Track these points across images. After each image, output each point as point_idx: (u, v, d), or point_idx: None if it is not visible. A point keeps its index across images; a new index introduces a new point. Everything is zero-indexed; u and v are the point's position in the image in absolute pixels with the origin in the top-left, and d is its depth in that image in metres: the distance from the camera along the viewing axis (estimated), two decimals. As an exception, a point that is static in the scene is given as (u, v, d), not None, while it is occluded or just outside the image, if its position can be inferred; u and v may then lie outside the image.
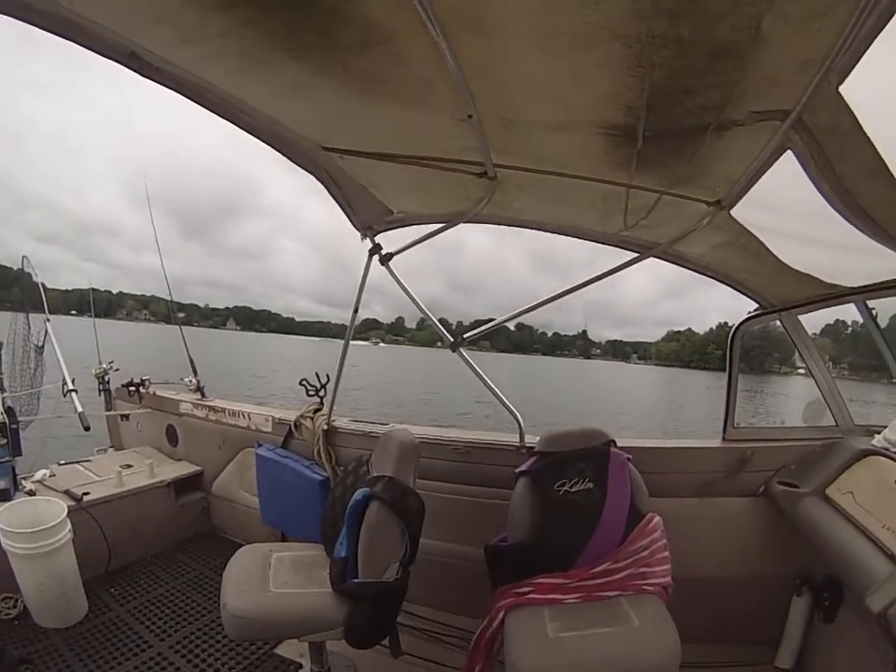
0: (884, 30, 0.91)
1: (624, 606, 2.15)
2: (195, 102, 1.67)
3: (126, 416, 4.67)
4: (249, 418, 3.72)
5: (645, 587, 2.22)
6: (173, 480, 3.78)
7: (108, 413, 4.80)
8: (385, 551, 2.20)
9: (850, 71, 1.03)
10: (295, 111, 1.81)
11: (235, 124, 1.83)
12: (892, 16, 0.88)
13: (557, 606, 2.19)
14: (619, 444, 2.54)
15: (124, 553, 3.40)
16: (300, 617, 2.16)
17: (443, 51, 1.18)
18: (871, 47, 0.96)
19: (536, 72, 1.27)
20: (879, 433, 2.57)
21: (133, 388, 4.52)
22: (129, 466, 3.83)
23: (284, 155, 2.09)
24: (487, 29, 1.13)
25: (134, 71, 1.50)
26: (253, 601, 2.15)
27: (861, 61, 1.00)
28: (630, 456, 2.48)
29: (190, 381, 4.33)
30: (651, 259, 2.64)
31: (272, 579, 2.30)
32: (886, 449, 2.41)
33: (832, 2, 0.90)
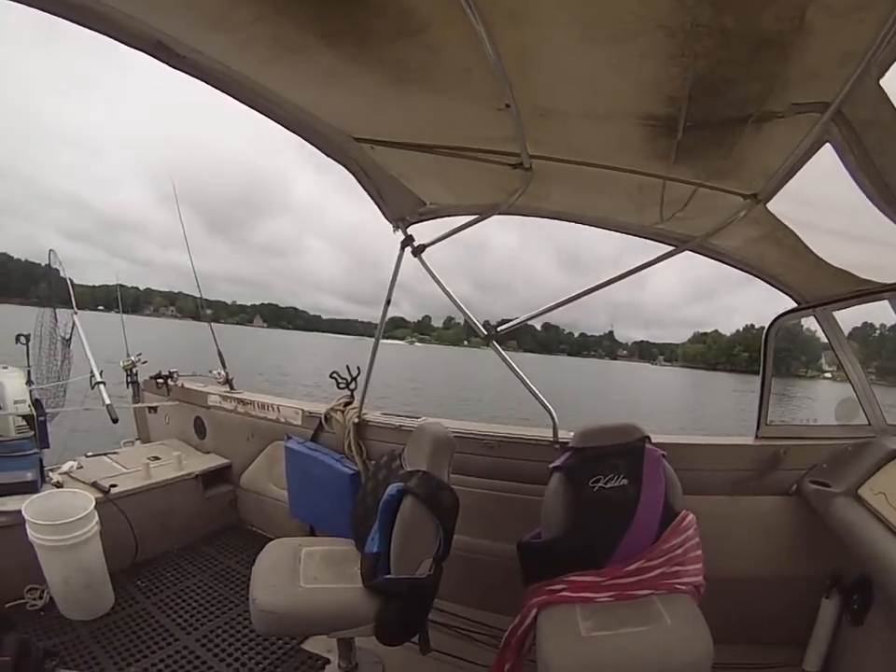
0: None
1: (657, 605, 2.13)
2: (224, 92, 1.67)
3: (154, 409, 4.72)
4: (279, 411, 3.73)
5: (678, 586, 2.20)
6: (200, 472, 3.81)
7: (136, 405, 4.86)
8: (418, 547, 2.19)
9: (892, 64, 1.03)
10: (326, 101, 1.80)
11: (265, 115, 1.82)
12: None
13: (590, 604, 2.18)
14: (653, 440, 2.52)
15: (151, 546, 3.43)
16: (330, 613, 2.16)
17: (483, 39, 1.17)
18: None
19: (576, 61, 1.26)
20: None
21: (160, 381, 4.56)
22: (156, 458, 3.85)
23: (314, 146, 2.09)
24: (527, 18, 1.13)
25: (162, 61, 1.50)
26: (283, 596, 2.15)
27: None
28: (665, 453, 2.45)
29: (219, 373, 4.35)
30: (680, 260, 2.61)
31: (301, 574, 2.30)
32: (919, 450, 2.36)
33: None
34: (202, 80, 1.60)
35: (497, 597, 2.80)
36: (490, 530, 2.89)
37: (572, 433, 2.62)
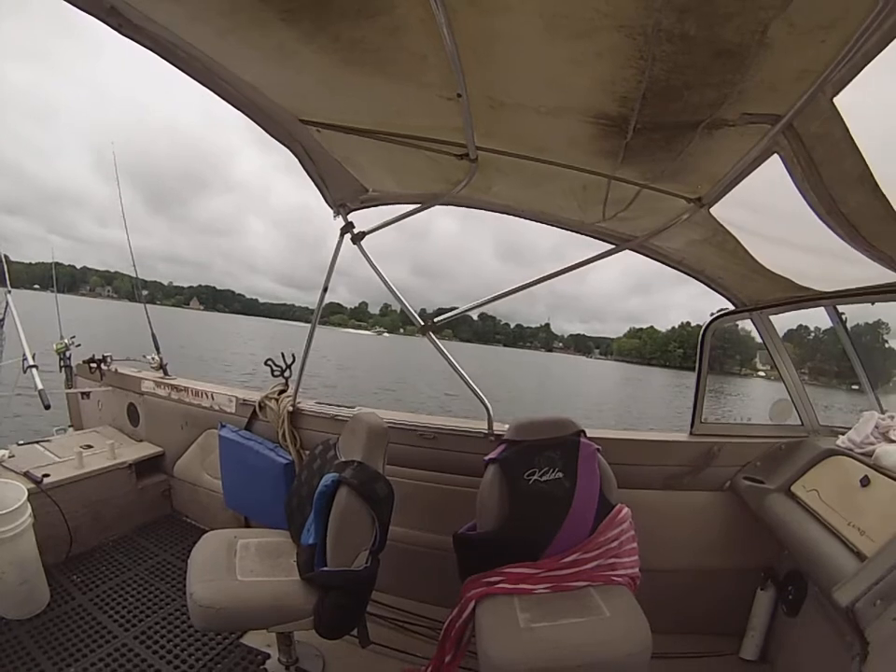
0: (884, 50, 0.93)
1: (594, 596, 2.17)
2: (174, 64, 1.59)
3: (87, 394, 4.53)
4: (212, 398, 3.64)
5: (614, 578, 2.25)
6: (134, 461, 3.68)
7: (68, 390, 4.65)
8: (354, 538, 2.17)
9: (847, 84, 1.05)
10: (276, 80, 1.74)
11: (213, 90, 1.75)
12: (893, 39, 0.91)
13: (527, 596, 2.20)
14: (588, 435, 2.57)
15: (85, 539, 3.31)
16: (268, 606, 2.12)
17: (441, 26, 1.15)
18: (870, 64, 0.98)
19: (534, 55, 1.24)
20: (843, 434, 2.64)
21: (94, 365, 4.37)
22: (89, 446, 3.71)
23: (259, 125, 2.02)
24: (491, 6, 1.10)
25: (112, 28, 1.41)
26: (220, 590, 2.10)
27: (858, 76, 1.02)
28: (599, 447, 2.50)
29: (153, 358, 4.22)
30: (625, 254, 2.65)
31: (238, 566, 2.26)
32: (850, 450, 2.48)
33: (839, 17, 0.91)
34: (152, 51, 1.52)
35: (435, 589, 2.82)
36: (427, 522, 2.90)
37: (507, 426, 2.64)
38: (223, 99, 1.79)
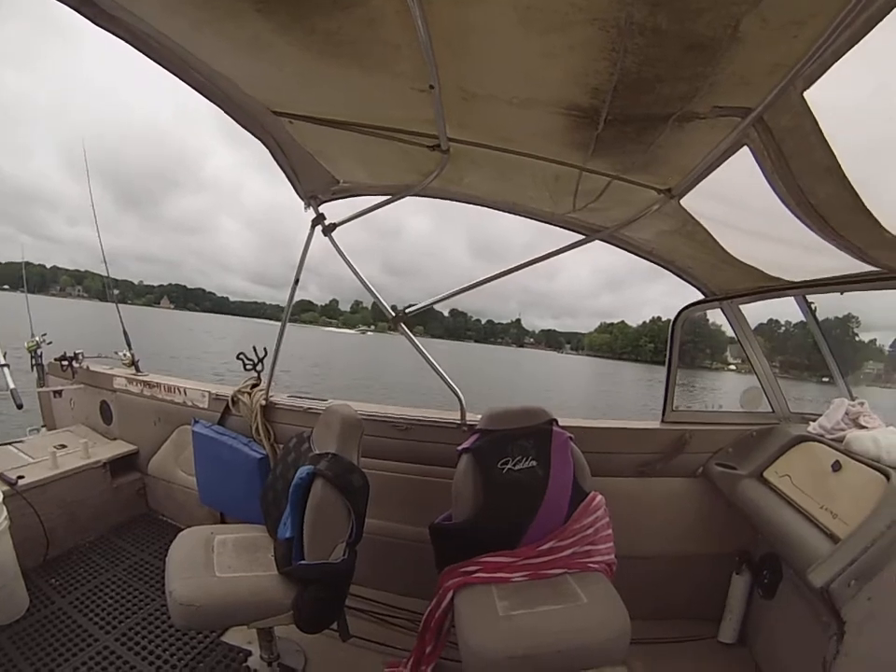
0: (855, 46, 0.96)
1: (571, 583, 2.20)
2: (148, 56, 1.57)
3: (59, 393, 4.45)
4: (185, 394, 3.60)
5: (590, 565, 2.28)
6: (108, 460, 3.63)
7: (40, 389, 4.57)
8: (331, 531, 2.17)
9: (817, 79, 1.07)
10: (250, 71, 1.73)
11: (186, 82, 1.72)
12: (864, 35, 0.93)
13: (505, 584, 2.22)
14: (560, 423, 2.59)
15: (62, 540, 3.27)
16: (247, 602, 2.10)
17: (416, 17, 1.15)
18: (840, 60, 1.00)
19: (507, 46, 1.25)
20: (814, 420, 2.70)
21: (65, 363, 4.28)
22: (63, 446, 3.66)
23: (232, 117, 2.00)
24: None
25: (87, 18, 1.40)
26: (199, 587, 2.08)
27: (828, 71, 1.04)
28: (572, 436, 2.53)
29: (125, 354, 4.15)
30: (592, 251, 2.68)
31: (216, 563, 2.24)
32: (821, 436, 2.54)
33: (811, 13, 0.93)
34: (127, 42, 1.51)
35: (414, 581, 2.82)
36: (403, 513, 2.91)
37: (479, 416, 2.66)
38: (197, 91, 1.78)
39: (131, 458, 3.85)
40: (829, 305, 2.66)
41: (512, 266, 2.81)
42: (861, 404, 2.53)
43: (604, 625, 1.97)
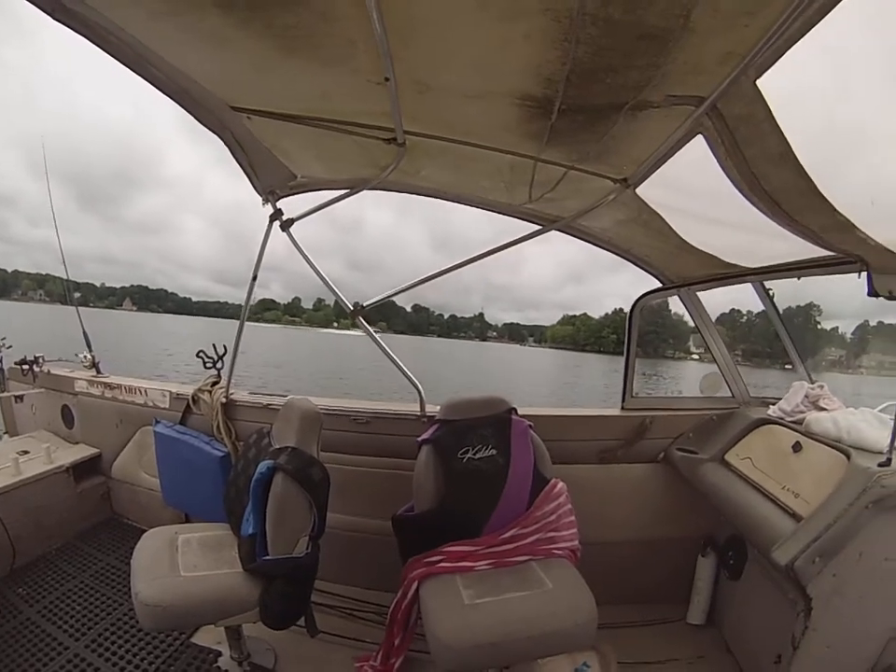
0: (807, 35, 0.98)
1: (536, 570, 2.22)
2: (106, 51, 1.55)
3: (20, 398, 4.32)
4: (146, 394, 3.54)
5: (554, 551, 2.31)
6: (71, 464, 3.55)
7: (1, 394, 4.45)
8: (293, 525, 2.17)
9: (770, 67, 1.09)
10: (208, 67, 1.71)
11: (145, 78, 1.71)
12: (817, 22, 0.95)
13: (469, 573, 2.24)
14: (520, 412, 2.62)
15: (28, 549, 3.19)
16: (214, 600, 2.09)
17: (371, 9, 1.15)
18: (792, 48, 1.02)
19: (462, 38, 1.26)
20: (774, 404, 2.76)
21: (26, 367, 4.16)
22: (25, 452, 3.58)
23: (190, 113, 1.98)
24: None
25: (46, 12, 1.38)
26: (165, 587, 2.06)
27: (781, 59, 1.06)
28: (531, 424, 2.56)
29: (85, 357, 4.05)
30: (555, 244, 2.72)
31: (181, 562, 2.22)
32: (781, 418, 2.60)
33: (763, 2, 0.95)
34: (85, 36, 1.48)
35: (380, 574, 2.83)
36: (367, 507, 2.91)
37: (439, 407, 2.68)
38: (155, 86, 1.75)
39: (94, 462, 3.77)
40: (792, 294, 2.71)
41: (468, 258, 2.82)
42: (821, 387, 2.59)
43: (571, 610, 1.98)
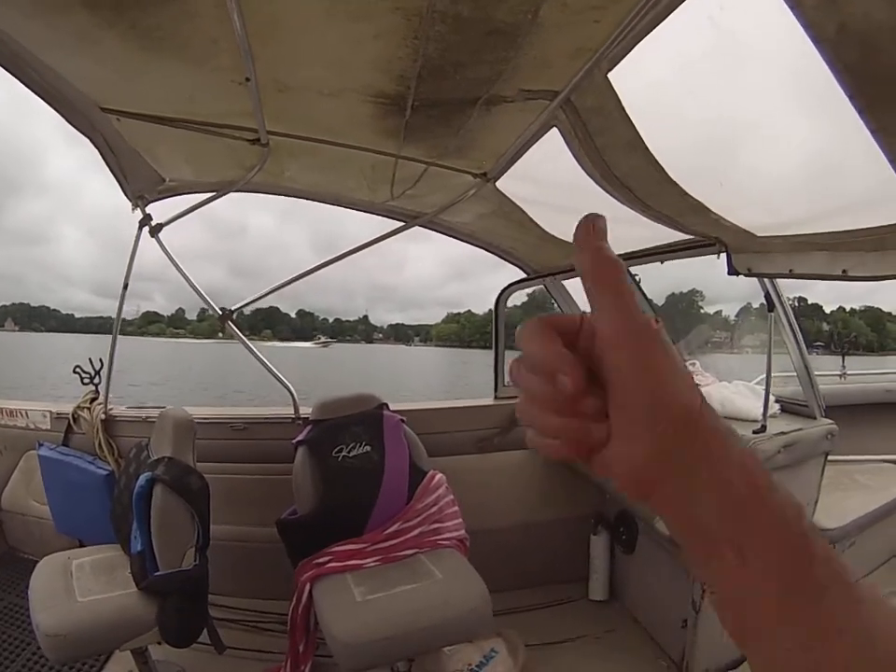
0: (655, 29, 1.03)
1: (424, 562, 2.24)
2: None
3: None
4: (27, 416, 3.34)
5: (441, 542, 2.34)
6: (-43, 501, 3.32)
7: None
8: (178, 537, 2.14)
9: (620, 60, 1.15)
10: (78, 66, 1.68)
11: (16, 76, 1.65)
12: (666, 17, 1.00)
13: (359, 571, 2.25)
14: (393, 408, 2.67)
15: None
16: (111, 623, 2.03)
17: (232, 9, 1.16)
18: (641, 42, 1.07)
19: (316, 37, 1.29)
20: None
21: None
22: None
23: (61, 115, 1.93)
24: None
25: None
26: (63, 615, 2.00)
27: (631, 52, 1.11)
28: (404, 418, 2.60)
29: None
30: (441, 241, 2.78)
31: (76, 588, 2.16)
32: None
33: None
34: None
35: (277, 583, 2.75)
36: (253, 515, 2.86)
37: (311, 408, 2.70)
38: (27, 86, 1.70)
39: None
40: (676, 282, 2.84)
41: (334, 256, 2.88)
42: (693, 364, 2.72)
43: (463, 598, 2.01)
